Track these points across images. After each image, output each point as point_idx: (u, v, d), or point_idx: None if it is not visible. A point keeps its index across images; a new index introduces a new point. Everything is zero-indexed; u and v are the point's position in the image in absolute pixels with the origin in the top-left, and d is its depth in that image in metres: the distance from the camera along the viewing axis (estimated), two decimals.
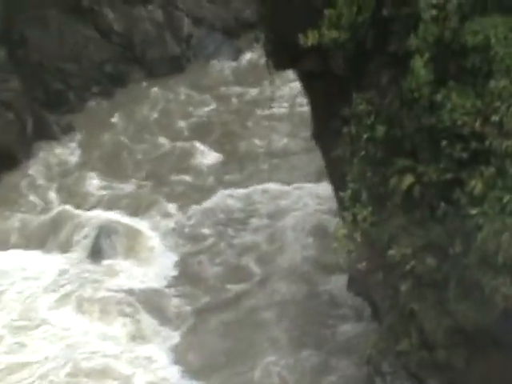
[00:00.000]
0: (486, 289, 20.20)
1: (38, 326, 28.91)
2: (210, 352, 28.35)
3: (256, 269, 30.29)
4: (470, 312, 20.94)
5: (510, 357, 21.21)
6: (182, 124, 34.07)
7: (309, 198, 30.25)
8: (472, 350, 21.57)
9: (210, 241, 30.89)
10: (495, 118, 20.03)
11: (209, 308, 29.51)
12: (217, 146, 34.96)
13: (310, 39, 22.68)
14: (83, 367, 27.50)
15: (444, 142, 20.67)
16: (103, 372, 27.50)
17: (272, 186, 31.64)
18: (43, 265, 30.04)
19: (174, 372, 27.83)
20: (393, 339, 22.71)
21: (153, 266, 30.30)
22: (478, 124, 20.18)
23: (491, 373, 21.78)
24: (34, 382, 27.30)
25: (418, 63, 20.79)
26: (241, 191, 32.07)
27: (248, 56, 35.86)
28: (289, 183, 31.54)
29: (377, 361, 23.22)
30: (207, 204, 32.27)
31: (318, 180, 27.79)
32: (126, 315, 29.05)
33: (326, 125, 23.85)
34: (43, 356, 27.77)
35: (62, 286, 29.59)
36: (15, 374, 27.26)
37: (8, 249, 30.67)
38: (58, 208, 31.87)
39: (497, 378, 21.78)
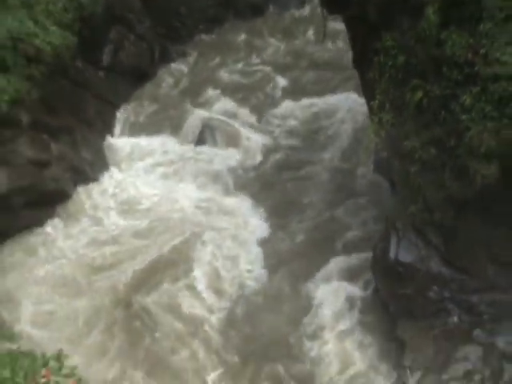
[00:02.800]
0: (471, 171, 20.35)
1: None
2: (276, 202, 28.55)
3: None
4: (458, 187, 21.00)
5: (485, 219, 21.41)
6: (262, 47, 33.98)
7: (351, 103, 29.92)
8: (458, 213, 21.57)
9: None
10: (482, 51, 20.03)
11: (276, 181, 29.32)
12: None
13: None
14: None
15: (445, 68, 20.66)
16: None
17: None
18: (165, 147, 30.14)
19: (253, 218, 27.99)
20: (404, 205, 22.71)
21: (244, 153, 29.70)
22: (470, 55, 20.21)
23: (469, 228, 21.88)
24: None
25: (430, 11, 20.84)
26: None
27: (310, 6, 35.28)
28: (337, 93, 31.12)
29: (392, 220, 23.30)
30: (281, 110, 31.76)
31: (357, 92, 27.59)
32: (219, 182, 29.12)
33: (363, 55, 23.77)
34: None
35: (174, 162, 29.77)
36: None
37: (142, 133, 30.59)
38: (180, 105, 31.61)
39: (473, 232, 21.90)
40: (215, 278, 25.69)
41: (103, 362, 22.78)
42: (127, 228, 27.13)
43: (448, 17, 20.82)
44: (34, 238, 26.54)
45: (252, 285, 25.68)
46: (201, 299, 24.93)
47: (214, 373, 23.10)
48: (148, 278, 25.47)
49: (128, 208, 27.71)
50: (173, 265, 25.89)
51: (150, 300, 24.58)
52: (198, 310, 24.70)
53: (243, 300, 25.12)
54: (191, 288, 25.27)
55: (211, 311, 24.77)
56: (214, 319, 24.49)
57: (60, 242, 26.48)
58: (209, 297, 25.11)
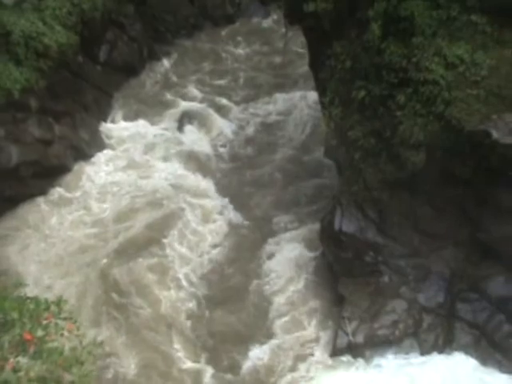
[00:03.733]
0: (402, 158, 21.09)
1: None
2: (240, 180, 28.91)
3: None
4: (392, 171, 21.67)
5: (413, 198, 22.13)
6: (232, 50, 34.14)
7: (306, 99, 30.07)
8: (391, 192, 22.16)
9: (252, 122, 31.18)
10: (414, 59, 20.70)
11: (241, 162, 29.69)
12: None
13: (310, 7, 22.99)
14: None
15: (384, 72, 21.31)
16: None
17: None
18: (150, 130, 30.42)
19: (220, 194, 28.20)
20: (348, 185, 23.26)
21: (216, 137, 30.13)
22: (404, 63, 20.86)
23: (400, 205, 22.46)
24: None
25: (374, 25, 21.31)
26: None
27: (273, 16, 35.36)
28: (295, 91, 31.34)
29: (338, 197, 23.96)
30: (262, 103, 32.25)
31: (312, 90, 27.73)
32: (194, 162, 29.32)
33: (317, 59, 24.35)
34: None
35: (159, 143, 30.01)
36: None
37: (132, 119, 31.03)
38: (163, 96, 31.82)
39: (403, 208, 22.51)
40: (185, 246, 25.99)
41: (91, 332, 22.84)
42: (115, 197, 27.74)
43: (388, 31, 21.47)
44: (39, 204, 26.75)
45: (216, 252, 26.02)
46: (173, 268, 25.19)
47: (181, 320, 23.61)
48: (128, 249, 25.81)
49: (117, 180, 28.28)
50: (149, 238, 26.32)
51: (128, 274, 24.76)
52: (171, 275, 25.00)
53: (208, 265, 25.51)
54: (166, 258, 25.55)
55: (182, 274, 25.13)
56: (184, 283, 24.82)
57: (60, 209, 26.95)
58: (179, 263, 25.44)
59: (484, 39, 20.72)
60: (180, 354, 22.38)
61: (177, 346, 22.67)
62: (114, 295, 23.93)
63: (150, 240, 26.03)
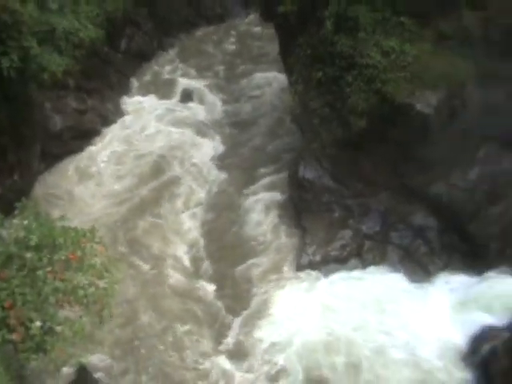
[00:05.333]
0: (350, 123, 21.69)
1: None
2: (228, 140, 28.73)
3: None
4: (342, 133, 22.13)
5: (358, 153, 22.34)
6: (222, 42, 33.76)
7: (278, 79, 30.03)
8: (343, 149, 22.51)
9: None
10: (359, 49, 21.15)
11: (229, 126, 29.53)
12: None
13: (280, 9, 23.19)
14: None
15: (336, 59, 21.78)
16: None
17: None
18: (159, 103, 30.41)
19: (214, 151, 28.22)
20: (309, 144, 23.71)
21: (210, 109, 30.26)
22: (351, 52, 21.33)
23: (348, 159, 22.73)
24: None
25: (328, 23, 21.63)
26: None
27: (252, 16, 35.00)
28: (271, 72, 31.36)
29: (301, 152, 24.39)
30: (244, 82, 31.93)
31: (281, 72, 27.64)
32: (193, 127, 29.45)
33: (285, 48, 24.69)
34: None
35: (166, 112, 30.03)
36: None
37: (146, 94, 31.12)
38: (169, 76, 31.87)
39: (350, 161, 22.77)
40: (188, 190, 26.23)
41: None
42: (133, 151, 28.04)
43: (339, 27, 21.89)
44: (78, 159, 27.32)
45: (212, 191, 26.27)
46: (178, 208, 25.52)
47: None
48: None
49: (133, 140, 28.52)
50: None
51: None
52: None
53: (206, 205, 25.68)
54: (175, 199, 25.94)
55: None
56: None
57: (96, 161, 27.42)
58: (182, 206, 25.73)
59: (410, 35, 21.41)
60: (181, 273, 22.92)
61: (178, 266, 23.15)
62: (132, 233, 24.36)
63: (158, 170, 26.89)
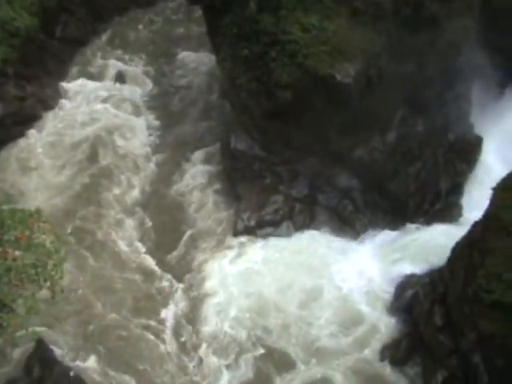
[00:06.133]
0: (276, 96, 21.30)
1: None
2: (163, 116, 28.18)
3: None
4: (269, 105, 21.76)
5: (285, 123, 22.14)
6: (151, 24, 32.56)
7: (206, 58, 29.70)
8: (270, 120, 22.27)
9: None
10: (281, 26, 21.04)
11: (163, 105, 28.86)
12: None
13: None
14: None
15: (261, 36, 21.51)
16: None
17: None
18: (95, 86, 29.65)
19: (149, 128, 27.67)
20: (238, 116, 23.61)
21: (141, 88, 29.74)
22: (274, 29, 21.13)
23: (276, 128, 22.57)
24: None
25: (252, 3, 21.48)
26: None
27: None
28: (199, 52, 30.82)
29: (232, 125, 24.23)
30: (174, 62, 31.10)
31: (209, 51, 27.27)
32: (128, 105, 28.85)
33: (213, 28, 24.13)
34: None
35: (102, 94, 29.30)
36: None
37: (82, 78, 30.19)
38: (103, 59, 31.15)
39: (278, 131, 22.62)
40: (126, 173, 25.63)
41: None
42: (74, 129, 27.33)
43: (262, 7, 21.55)
44: (19, 148, 26.41)
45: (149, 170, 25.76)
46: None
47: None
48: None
49: (72, 123, 27.49)
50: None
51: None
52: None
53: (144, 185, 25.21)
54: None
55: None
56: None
57: (36, 151, 26.31)
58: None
59: (328, 12, 21.28)
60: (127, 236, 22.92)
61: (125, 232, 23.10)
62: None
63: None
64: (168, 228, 23.26)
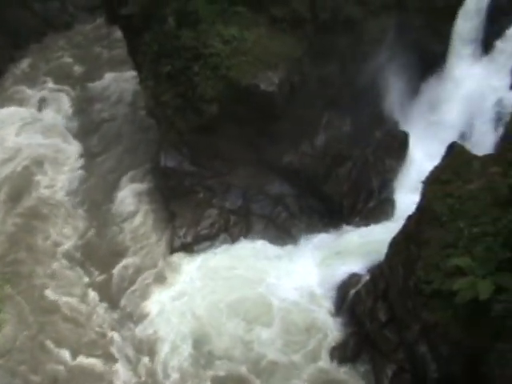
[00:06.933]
0: (201, 110, 21.37)
1: None
2: (90, 142, 27.59)
3: None
4: (196, 120, 21.73)
5: (214, 137, 21.96)
6: (69, 48, 32.23)
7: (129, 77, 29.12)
8: (198, 134, 22.11)
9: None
10: (202, 40, 21.03)
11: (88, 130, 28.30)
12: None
13: (124, 11, 22.79)
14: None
15: (182, 51, 21.40)
16: None
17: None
18: (16, 115, 29.10)
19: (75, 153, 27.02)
20: (166, 133, 23.07)
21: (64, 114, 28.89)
22: (195, 43, 21.10)
23: (205, 143, 22.40)
24: None
25: (171, 19, 21.43)
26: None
27: (99, 20, 33.51)
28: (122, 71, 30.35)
29: (161, 142, 23.69)
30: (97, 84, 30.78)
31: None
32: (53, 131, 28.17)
33: (133, 47, 23.92)
34: None
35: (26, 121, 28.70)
36: None
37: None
38: (24, 87, 30.59)
39: (207, 145, 22.39)
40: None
41: None
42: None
43: (181, 22, 21.44)
44: None
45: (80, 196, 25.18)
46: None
47: None
48: None
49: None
50: None
51: None
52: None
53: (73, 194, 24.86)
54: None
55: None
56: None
57: None
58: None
59: (247, 22, 21.37)
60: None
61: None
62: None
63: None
64: (104, 261, 22.40)
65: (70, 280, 21.75)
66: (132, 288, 21.31)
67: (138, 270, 21.88)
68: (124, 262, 22.19)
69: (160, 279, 21.42)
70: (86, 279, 21.83)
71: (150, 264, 21.99)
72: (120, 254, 22.56)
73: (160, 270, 21.77)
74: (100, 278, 21.82)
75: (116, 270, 21.92)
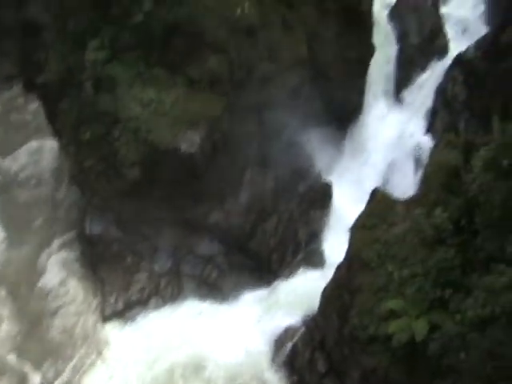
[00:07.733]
0: (123, 175, 20.94)
1: None
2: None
3: None
4: (120, 185, 21.20)
5: (138, 198, 21.55)
6: None
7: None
8: (123, 198, 21.71)
9: None
10: (122, 105, 20.67)
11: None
12: None
13: (40, 79, 22.53)
14: None
15: (101, 117, 20.95)
16: None
17: None
18: None
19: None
20: (91, 199, 22.69)
21: None
22: (113, 108, 20.74)
23: (131, 206, 21.95)
24: None
25: (87, 84, 21.09)
26: None
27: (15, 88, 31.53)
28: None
29: (86, 209, 23.19)
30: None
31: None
32: None
33: (52, 115, 23.16)
34: None
35: None
36: None
37: None
38: None
39: (133, 207, 22.01)
40: None
41: None
42: None
43: (98, 87, 21.07)
44: None
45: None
46: None
47: None
48: None
49: None
50: None
51: None
52: None
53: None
54: None
55: None
56: None
57: None
58: None
59: (164, 84, 21.21)
60: None
61: None
62: None
63: None
64: (35, 337, 21.09)
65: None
66: (63, 363, 20.26)
67: (70, 344, 20.79)
68: (53, 336, 20.97)
69: (92, 364, 20.53)
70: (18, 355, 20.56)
71: (81, 337, 20.95)
72: (49, 328, 21.27)
73: (93, 349, 20.83)
74: (29, 354, 20.49)
75: (46, 344, 20.83)
